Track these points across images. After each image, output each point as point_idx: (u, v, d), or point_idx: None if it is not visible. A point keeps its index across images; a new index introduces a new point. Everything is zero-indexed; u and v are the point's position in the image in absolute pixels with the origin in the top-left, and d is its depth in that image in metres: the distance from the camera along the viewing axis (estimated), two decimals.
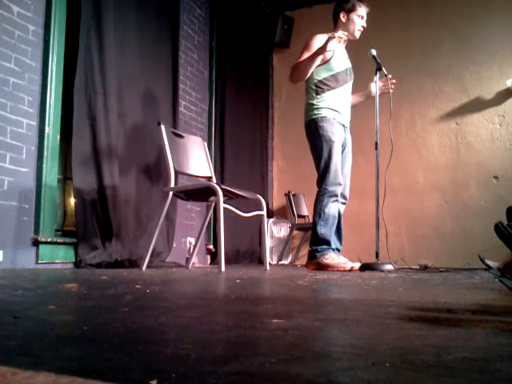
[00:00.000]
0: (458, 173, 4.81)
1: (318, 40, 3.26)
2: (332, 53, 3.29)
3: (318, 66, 3.26)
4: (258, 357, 0.56)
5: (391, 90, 3.41)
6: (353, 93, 3.53)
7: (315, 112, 3.29)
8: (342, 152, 3.37)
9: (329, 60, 3.28)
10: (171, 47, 4.01)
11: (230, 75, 4.86)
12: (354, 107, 3.58)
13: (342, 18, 3.34)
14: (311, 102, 3.32)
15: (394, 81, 3.42)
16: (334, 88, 3.30)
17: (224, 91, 4.78)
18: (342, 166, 3.34)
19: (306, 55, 3.20)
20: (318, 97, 3.30)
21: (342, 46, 3.43)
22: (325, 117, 3.26)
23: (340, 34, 3.02)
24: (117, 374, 0.47)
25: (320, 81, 3.30)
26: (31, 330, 0.74)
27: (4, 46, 2.74)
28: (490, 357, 0.57)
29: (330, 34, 3.01)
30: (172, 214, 3.80)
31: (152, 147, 3.65)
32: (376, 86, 3.35)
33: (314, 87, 3.32)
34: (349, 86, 3.43)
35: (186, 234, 4.23)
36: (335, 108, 3.30)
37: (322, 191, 3.22)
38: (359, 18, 3.33)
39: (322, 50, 3.07)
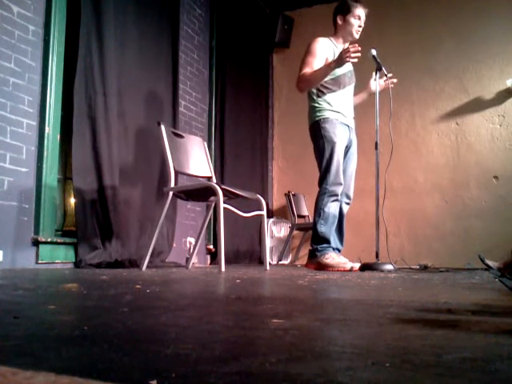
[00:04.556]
0: (457, 173, 4.81)
1: (320, 44, 3.28)
2: (333, 56, 3.29)
3: None
4: (257, 357, 0.56)
5: (391, 85, 3.41)
6: (354, 94, 3.54)
7: (318, 114, 3.30)
8: (347, 152, 3.38)
9: None
10: (171, 47, 4.00)
11: (229, 75, 4.86)
12: (355, 106, 3.60)
13: (339, 20, 3.36)
14: (313, 104, 3.34)
15: (394, 80, 3.43)
16: (335, 91, 3.32)
17: (224, 91, 4.78)
18: (345, 167, 3.35)
19: (310, 60, 3.22)
20: (320, 100, 3.31)
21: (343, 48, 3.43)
22: (327, 118, 3.28)
23: (353, 53, 2.94)
24: (117, 374, 0.47)
25: (321, 84, 3.30)
26: (31, 330, 0.73)
27: (4, 46, 2.74)
28: (490, 357, 0.57)
29: (347, 50, 2.95)
30: (172, 214, 3.80)
31: (152, 147, 3.65)
32: (376, 83, 3.35)
33: (315, 91, 3.33)
34: (351, 88, 3.44)
35: (186, 234, 4.23)
36: (337, 109, 3.31)
37: (323, 190, 3.24)
38: (356, 19, 3.34)
39: (338, 64, 3.06)
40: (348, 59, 2.95)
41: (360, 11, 3.34)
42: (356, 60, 2.96)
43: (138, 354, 0.56)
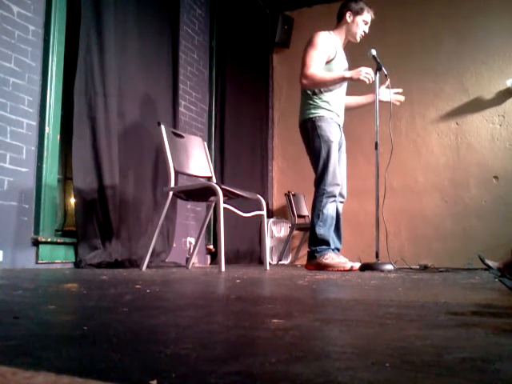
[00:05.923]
0: (457, 173, 4.81)
1: (323, 38, 3.27)
2: (335, 53, 3.29)
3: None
4: (257, 357, 0.56)
5: (397, 103, 3.48)
6: (359, 94, 3.57)
7: (313, 111, 3.28)
8: (338, 151, 3.38)
9: (331, 61, 3.29)
10: (171, 47, 4.00)
11: (229, 75, 4.86)
12: (358, 108, 3.64)
13: (348, 17, 3.34)
14: (309, 101, 3.32)
15: (402, 98, 3.52)
16: (331, 90, 3.31)
17: (224, 91, 4.78)
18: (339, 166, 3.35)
19: (315, 53, 3.21)
20: (316, 97, 3.30)
21: (341, 46, 3.43)
22: (323, 116, 3.26)
23: (370, 75, 3.13)
24: (117, 374, 0.47)
25: None
26: (31, 330, 0.73)
27: (4, 45, 2.74)
28: (490, 357, 0.57)
29: (361, 71, 3.12)
30: (172, 214, 3.79)
31: (152, 147, 3.65)
32: (376, 87, 3.34)
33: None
34: (345, 86, 3.44)
35: (186, 234, 4.23)
36: (332, 109, 3.31)
37: (321, 192, 3.22)
38: (363, 23, 3.35)
39: (351, 80, 3.20)
40: (363, 79, 3.11)
41: (369, 17, 3.36)
42: (368, 81, 3.16)
43: (137, 354, 0.56)
